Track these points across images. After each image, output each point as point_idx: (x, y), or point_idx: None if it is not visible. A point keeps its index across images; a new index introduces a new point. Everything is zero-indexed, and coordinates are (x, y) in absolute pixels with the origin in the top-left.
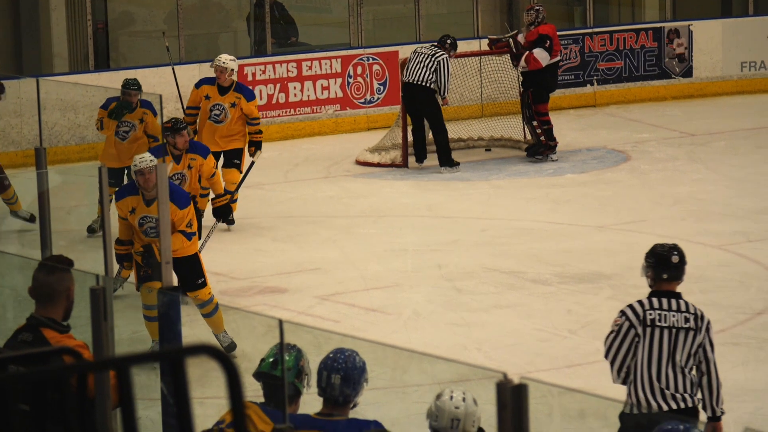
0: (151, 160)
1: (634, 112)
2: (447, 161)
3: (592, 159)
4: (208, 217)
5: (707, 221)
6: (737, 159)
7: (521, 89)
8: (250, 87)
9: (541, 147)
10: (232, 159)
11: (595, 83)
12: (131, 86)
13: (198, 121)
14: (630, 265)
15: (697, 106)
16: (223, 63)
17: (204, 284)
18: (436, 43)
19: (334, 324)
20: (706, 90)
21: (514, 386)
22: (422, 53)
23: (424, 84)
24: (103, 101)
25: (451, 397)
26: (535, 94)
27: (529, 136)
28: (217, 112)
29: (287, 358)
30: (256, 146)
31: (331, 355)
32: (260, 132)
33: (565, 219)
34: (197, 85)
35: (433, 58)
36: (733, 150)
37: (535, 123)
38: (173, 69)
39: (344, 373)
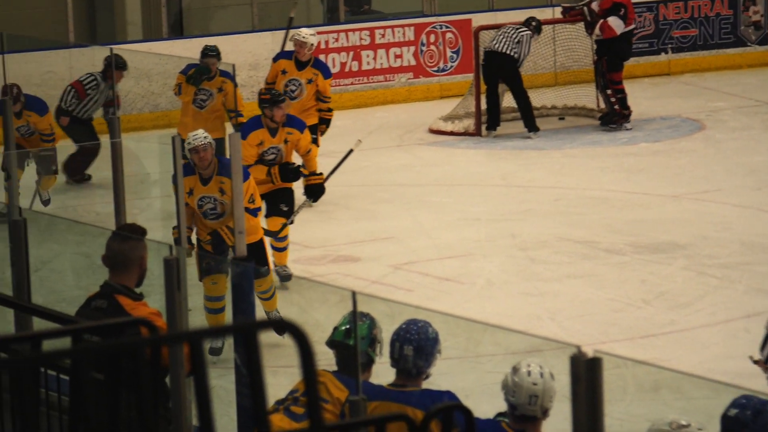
0: (204, 137)
1: (709, 81)
2: (532, 125)
3: (667, 128)
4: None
5: None
6: None
7: (595, 57)
8: (323, 59)
9: (615, 116)
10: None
11: (670, 51)
12: (210, 52)
13: None
14: (704, 235)
15: None
16: (303, 37)
17: (268, 272)
18: (521, 25)
19: (407, 293)
20: None
21: (588, 359)
22: (508, 29)
23: (506, 52)
24: (179, 68)
25: (529, 372)
26: (610, 63)
27: (602, 105)
28: (293, 87)
29: (360, 326)
30: (325, 124)
31: (403, 326)
32: (331, 110)
33: (638, 188)
34: (275, 59)
35: (517, 32)
36: None
37: (609, 91)
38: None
39: (417, 345)
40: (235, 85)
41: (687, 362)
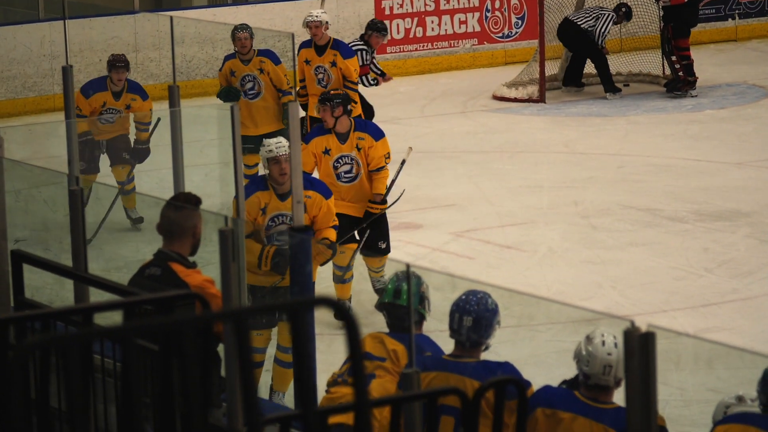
0: (288, 147)
1: None
2: (611, 87)
3: (732, 95)
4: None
5: None
6: None
7: (662, 24)
8: (386, 23)
9: (680, 82)
10: None
11: (737, 17)
12: (239, 30)
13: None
14: None
15: None
16: (317, 16)
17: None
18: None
19: (468, 261)
20: None
21: (642, 334)
22: (594, 7)
23: (579, 24)
24: None
25: (603, 342)
26: (676, 29)
27: (668, 72)
28: (320, 75)
29: (408, 287)
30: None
31: (463, 297)
32: (355, 102)
33: (703, 155)
34: (297, 52)
35: (600, 10)
36: None
37: (674, 58)
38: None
39: (476, 316)
40: (276, 63)
41: (749, 331)
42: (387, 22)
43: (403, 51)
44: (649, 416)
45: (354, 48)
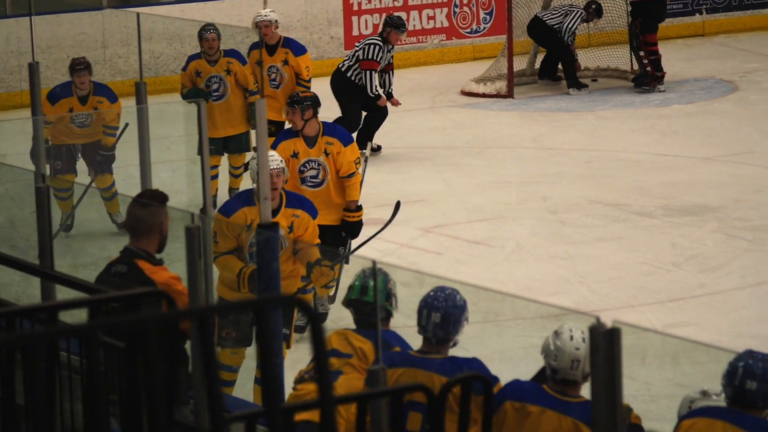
0: (280, 161)
1: (743, 42)
2: (575, 83)
3: (700, 89)
4: None
5: None
6: None
7: (629, 19)
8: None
9: (648, 77)
10: None
11: (704, 12)
12: (205, 31)
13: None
14: (736, 198)
15: None
16: (266, 16)
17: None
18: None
19: (437, 256)
20: None
21: (607, 330)
22: (564, 4)
23: (546, 20)
24: None
25: (572, 337)
26: (644, 24)
27: (636, 67)
28: (273, 75)
29: (374, 283)
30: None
31: (431, 293)
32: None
33: (671, 150)
34: (247, 54)
35: (569, 7)
36: None
37: (642, 53)
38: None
39: (444, 312)
40: (243, 63)
41: (716, 326)
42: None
43: None
44: (615, 411)
45: (369, 44)
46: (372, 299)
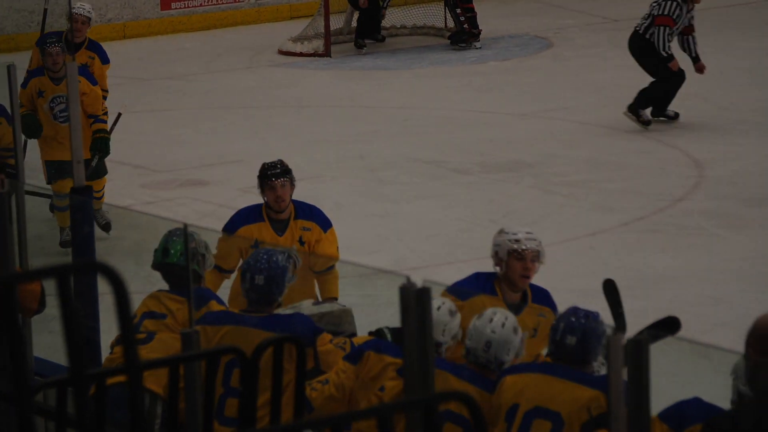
0: (286, 172)
1: None
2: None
3: (515, 46)
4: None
5: None
6: None
7: None
8: None
9: (464, 35)
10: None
11: None
12: (50, 44)
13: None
14: (551, 153)
15: None
16: (89, 12)
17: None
18: None
19: None
20: None
21: (417, 290)
22: None
23: None
24: None
25: (491, 319)
26: None
27: (451, 24)
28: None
29: (177, 244)
30: (100, 146)
31: (252, 256)
32: (106, 122)
33: (487, 107)
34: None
35: None
36: None
37: (458, 10)
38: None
39: (267, 274)
40: (94, 83)
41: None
42: None
43: (188, 7)
44: (427, 374)
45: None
46: (174, 261)
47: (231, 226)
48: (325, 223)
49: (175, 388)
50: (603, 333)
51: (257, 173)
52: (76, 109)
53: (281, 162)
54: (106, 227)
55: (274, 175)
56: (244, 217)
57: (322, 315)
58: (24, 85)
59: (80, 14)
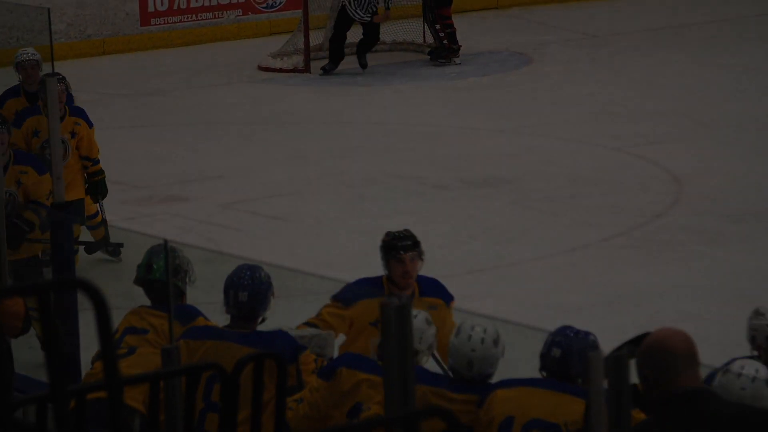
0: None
1: (537, 14)
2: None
3: (494, 62)
4: None
5: (608, 123)
6: (638, 60)
7: None
8: None
9: (444, 51)
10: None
11: None
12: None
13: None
14: (531, 169)
15: (600, 6)
16: (33, 55)
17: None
18: None
19: (236, 232)
20: None
21: (397, 306)
22: None
23: None
24: None
25: (470, 337)
26: None
27: (431, 40)
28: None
29: (161, 260)
30: (98, 190)
31: (235, 272)
32: (99, 164)
33: (466, 123)
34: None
35: None
36: (635, 51)
37: (437, 26)
38: None
39: (251, 291)
40: (90, 125)
41: (513, 297)
42: None
43: (167, 23)
44: (408, 390)
45: None
46: (156, 277)
47: (349, 296)
48: (449, 299)
49: (156, 404)
50: (590, 350)
51: (380, 242)
52: (56, 128)
53: (409, 232)
54: (115, 252)
55: (403, 247)
56: (364, 289)
57: (311, 337)
58: (18, 124)
59: (27, 60)
